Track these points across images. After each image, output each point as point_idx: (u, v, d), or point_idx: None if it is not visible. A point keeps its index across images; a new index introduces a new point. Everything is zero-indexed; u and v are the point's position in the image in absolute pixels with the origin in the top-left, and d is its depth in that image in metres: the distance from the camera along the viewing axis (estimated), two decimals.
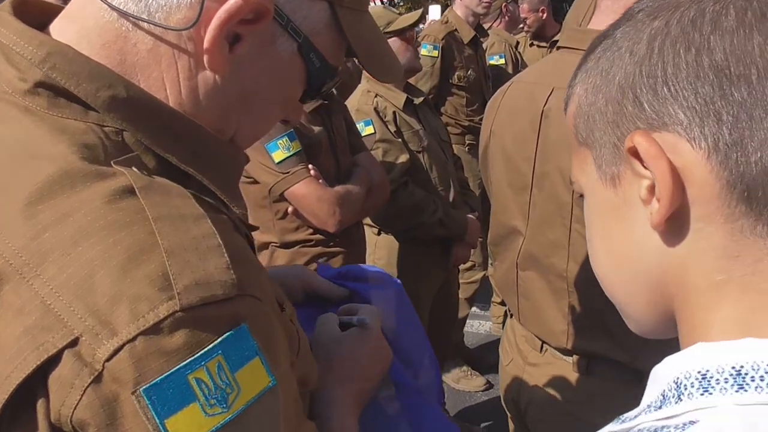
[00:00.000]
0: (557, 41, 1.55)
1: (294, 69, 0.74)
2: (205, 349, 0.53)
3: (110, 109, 0.63)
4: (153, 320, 0.51)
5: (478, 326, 4.25)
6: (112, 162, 0.60)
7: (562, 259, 1.44)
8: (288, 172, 1.98)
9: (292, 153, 1.97)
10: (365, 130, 2.47)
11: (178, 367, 0.52)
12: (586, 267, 1.36)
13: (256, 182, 2.05)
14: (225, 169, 0.73)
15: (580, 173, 0.59)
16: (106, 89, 0.63)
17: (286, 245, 2.12)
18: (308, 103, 0.85)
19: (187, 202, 0.60)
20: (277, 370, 0.59)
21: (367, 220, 2.71)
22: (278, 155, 1.97)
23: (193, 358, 0.53)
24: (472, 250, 3.62)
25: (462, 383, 3.63)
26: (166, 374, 0.51)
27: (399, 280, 1.17)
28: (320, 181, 2.00)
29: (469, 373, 3.65)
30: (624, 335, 1.32)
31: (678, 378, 0.45)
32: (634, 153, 0.49)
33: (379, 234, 2.71)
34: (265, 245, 2.15)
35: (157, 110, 0.66)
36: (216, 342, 0.54)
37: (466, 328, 4.02)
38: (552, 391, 1.55)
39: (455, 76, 3.79)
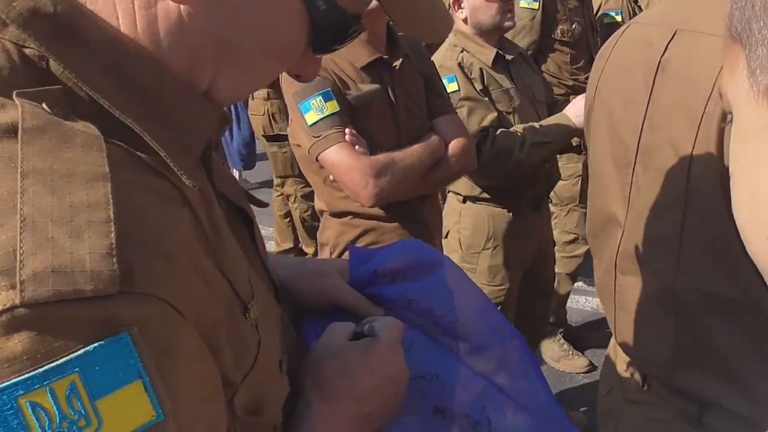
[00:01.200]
0: None
1: (288, 10, 0.58)
2: (54, 364, 0.39)
3: (27, 25, 0.49)
4: None
5: (584, 303, 3.96)
6: (14, 92, 0.46)
7: (671, 265, 1.07)
8: (319, 136, 1.76)
9: (325, 115, 1.75)
10: (448, 86, 2.22)
11: (5, 384, 0.38)
12: (702, 279, 1.05)
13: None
14: (183, 126, 0.57)
15: (729, 79, 0.45)
16: None
17: (335, 215, 1.93)
18: (323, 55, 0.67)
19: (90, 157, 0.45)
20: (173, 398, 0.44)
21: (453, 187, 2.50)
22: (311, 117, 1.76)
23: (32, 373, 0.38)
24: (575, 222, 3.36)
25: (562, 363, 3.39)
26: None
27: (446, 256, 0.96)
28: (356, 147, 1.76)
29: (570, 352, 3.40)
30: (750, 378, 1.02)
31: None
32: None
33: (464, 202, 2.51)
34: (320, 213, 2.00)
35: (95, 36, 0.52)
36: (74, 355, 0.39)
37: (570, 304, 3.76)
38: None
39: (558, 31, 3.46)
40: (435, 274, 0.90)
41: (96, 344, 0.40)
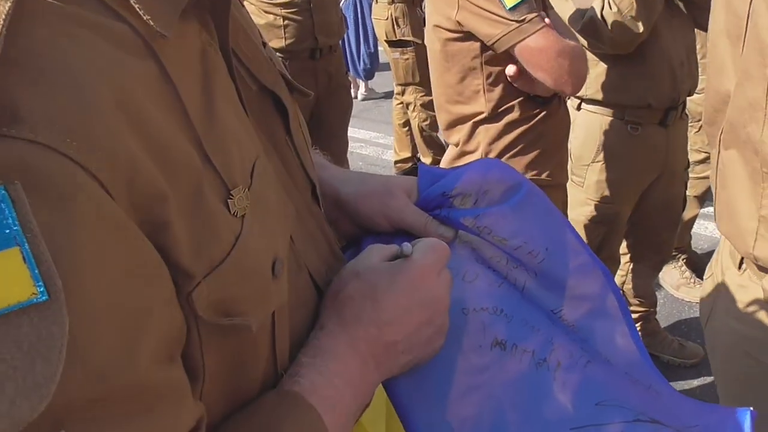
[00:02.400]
0: None
1: None
2: None
3: None
4: None
5: (713, 229, 3.66)
6: None
7: (758, 125, 1.03)
8: (523, 20, 1.59)
9: None
10: None
11: None
12: None
13: (466, 38, 1.71)
14: None
15: None
16: None
17: (490, 119, 1.80)
18: None
19: None
20: (69, 274, 0.35)
21: None
22: None
23: None
24: (707, 140, 3.05)
25: (682, 291, 3.17)
26: None
27: (527, 179, 0.83)
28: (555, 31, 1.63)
29: (692, 280, 3.17)
30: None
31: None
32: None
33: (578, 109, 2.31)
34: (467, 117, 1.83)
35: None
36: None
37: (698, 230, 3.51)
38: (733, 321, 1.18)
39: None
40: (512, 199, 0.79)
41: None
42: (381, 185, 0.81)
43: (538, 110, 1.78)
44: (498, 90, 1.76)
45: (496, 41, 1.64)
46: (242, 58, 0.61)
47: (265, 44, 0.71)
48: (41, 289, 0.34)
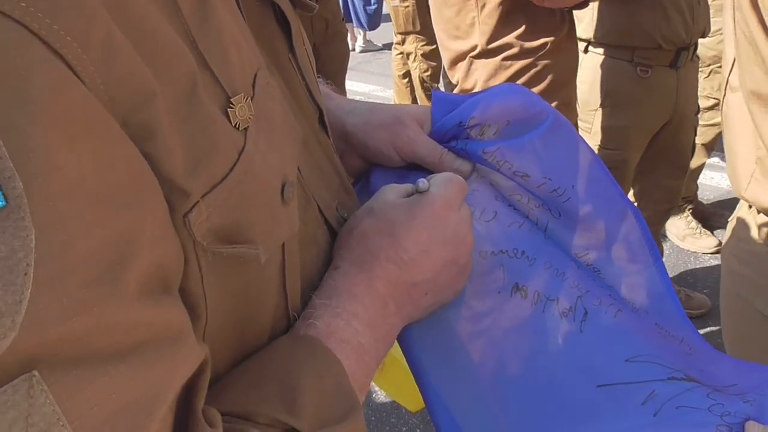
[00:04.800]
0: None
1: None
2: None
3: None
4: None
5: (719, 179, 3.60)
6: None
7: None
8: None
9: None
10: None
11: None
12: None
13: None
14: None
15: None
16: None
17: (490, 52, 1.73)
18: None
19: None
20: (33, 176, 0.28)
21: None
22: None
23: None
24: (717, 86, 2.96)
25: (688, 242, 3.12)
26: None
27: (553, 108, 0.74)
28: None
29: (698, 230, 3.12)
30: None
31: None
32: None
33: (585, 51, 2.22)
34: (465, 53, 1.77)
35: None
36: None
37: (704, 180, 3.44)
38: (733, 260, 1.15)
39: None
40: (536, 130, 0.71)
41: None
42: (391, 115, 0.74)
43: (539, 44, 1.71)
44: (492, 22, 1.70)
45: None
46: None
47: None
48: None
